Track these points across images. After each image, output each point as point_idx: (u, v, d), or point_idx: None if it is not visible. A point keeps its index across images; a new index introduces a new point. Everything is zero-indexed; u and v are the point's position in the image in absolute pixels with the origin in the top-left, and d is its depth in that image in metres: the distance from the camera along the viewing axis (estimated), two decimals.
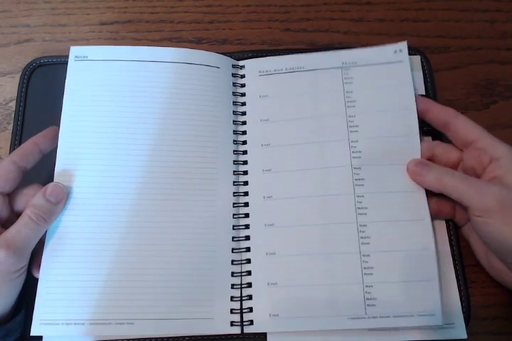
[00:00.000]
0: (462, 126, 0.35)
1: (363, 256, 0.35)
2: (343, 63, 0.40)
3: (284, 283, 0.35)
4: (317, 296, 0.34)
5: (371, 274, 0.34)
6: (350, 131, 0.38)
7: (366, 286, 0.34)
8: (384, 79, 0.39)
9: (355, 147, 0.37)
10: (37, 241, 0.33)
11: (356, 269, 0.35)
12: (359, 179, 0.36)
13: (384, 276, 0.34)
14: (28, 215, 0.33)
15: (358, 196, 0.36)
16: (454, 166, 0.36)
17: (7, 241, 0.31)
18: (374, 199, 0.36)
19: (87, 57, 0.39)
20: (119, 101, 0.38)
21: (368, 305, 0.34)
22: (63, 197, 0.35)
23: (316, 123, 0.38)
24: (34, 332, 0.33)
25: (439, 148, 0.36)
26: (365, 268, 0.35)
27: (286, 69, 0.40)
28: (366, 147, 0.37)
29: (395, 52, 0.39)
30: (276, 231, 0.36)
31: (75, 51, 0.39)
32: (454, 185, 0.33)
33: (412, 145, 0.37)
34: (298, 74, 0.40)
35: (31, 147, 0.35)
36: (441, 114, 0.36)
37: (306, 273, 0.35)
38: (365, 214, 0.36)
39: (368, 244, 0.35)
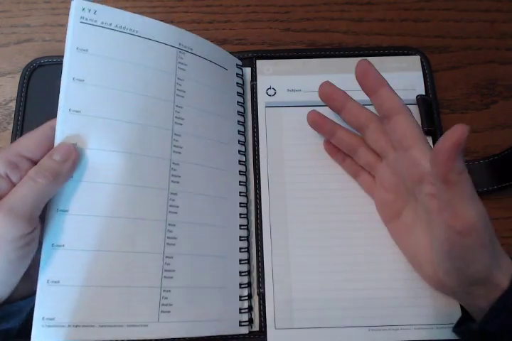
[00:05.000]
0: (401, 126, 0.31)
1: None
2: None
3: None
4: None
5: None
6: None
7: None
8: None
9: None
10: (41, 204, 0.29)
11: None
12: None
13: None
14: (27, 175, 0.29)
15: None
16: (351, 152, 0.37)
17: (3, 203, 0.28)
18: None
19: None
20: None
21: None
22: (70, 156, 0.30)
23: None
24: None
25: (342, 132, 0.37)
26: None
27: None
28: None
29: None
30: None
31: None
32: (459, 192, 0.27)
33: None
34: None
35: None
36: (384, 104, 0.32)
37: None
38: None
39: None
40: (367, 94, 0.33)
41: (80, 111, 0.31)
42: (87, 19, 0.33)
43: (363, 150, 0.36)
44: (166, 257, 0.32)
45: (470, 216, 0.27)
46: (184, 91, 0.36)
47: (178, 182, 0.34)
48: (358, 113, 0.35)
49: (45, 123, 0.32)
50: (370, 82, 0.32)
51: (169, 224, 0.33)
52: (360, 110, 0.35)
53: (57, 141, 0.31)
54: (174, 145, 0.34)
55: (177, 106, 0.35)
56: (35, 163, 0.30)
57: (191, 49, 0.37)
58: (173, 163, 0.34)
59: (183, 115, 0.35)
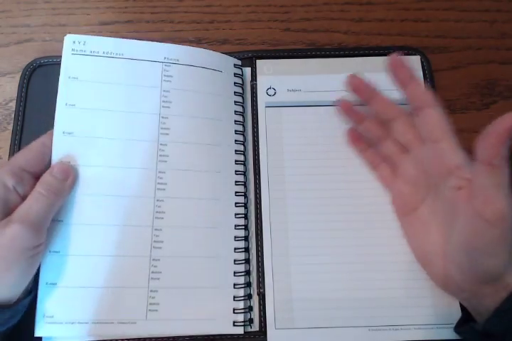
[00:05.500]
0: (433, 118, 0.32)
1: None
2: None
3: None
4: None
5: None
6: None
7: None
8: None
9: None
10: (50, 217, 0.33)
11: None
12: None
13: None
14: (37, 191, 0.32)
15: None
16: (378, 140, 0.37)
17: (21, 216, 0.31)
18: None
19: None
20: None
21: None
22: (69, 174, 0.34)
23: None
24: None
25: (371, 121, 0.37)
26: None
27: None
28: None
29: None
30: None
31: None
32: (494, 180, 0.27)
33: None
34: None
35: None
36: (417, 96, 0.33)
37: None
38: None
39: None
40: (400, 87, 0.34)
41: (72, 133, 0.35)
42: (77, 50, 0.37)
43: (388, 141, 0.37)
44: (153, 260, 0.34)
45: (502, 204, 0.27)
46: (170, 102, 0.37)
47: (164, 190, 0.36)
48: (387, 105, 0.36)
49: (37, 140, 0.35)
50: (404, 76, 0.33)
51: (155, 229, 0.35)
52: (389, 102, 0.36)
53: (54, 160, 0.34)
54: (160, 155, 0.36)
55: (163, 117, 0.37)
56: (35, 176, 0.33)
57: (177, 60, 0.39)
58: (159, 172, 0.36)
59: (168, 125, 0.37)
